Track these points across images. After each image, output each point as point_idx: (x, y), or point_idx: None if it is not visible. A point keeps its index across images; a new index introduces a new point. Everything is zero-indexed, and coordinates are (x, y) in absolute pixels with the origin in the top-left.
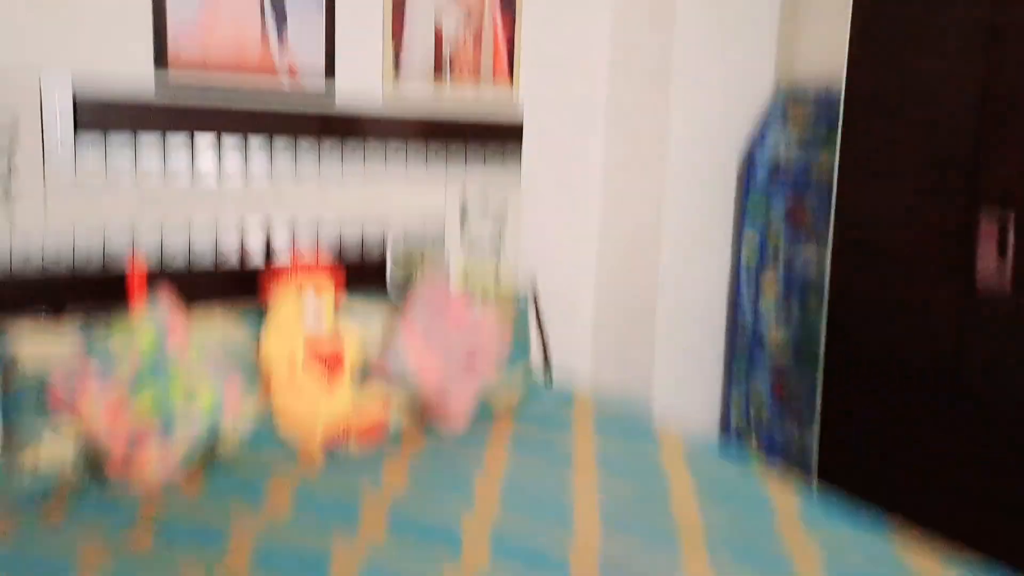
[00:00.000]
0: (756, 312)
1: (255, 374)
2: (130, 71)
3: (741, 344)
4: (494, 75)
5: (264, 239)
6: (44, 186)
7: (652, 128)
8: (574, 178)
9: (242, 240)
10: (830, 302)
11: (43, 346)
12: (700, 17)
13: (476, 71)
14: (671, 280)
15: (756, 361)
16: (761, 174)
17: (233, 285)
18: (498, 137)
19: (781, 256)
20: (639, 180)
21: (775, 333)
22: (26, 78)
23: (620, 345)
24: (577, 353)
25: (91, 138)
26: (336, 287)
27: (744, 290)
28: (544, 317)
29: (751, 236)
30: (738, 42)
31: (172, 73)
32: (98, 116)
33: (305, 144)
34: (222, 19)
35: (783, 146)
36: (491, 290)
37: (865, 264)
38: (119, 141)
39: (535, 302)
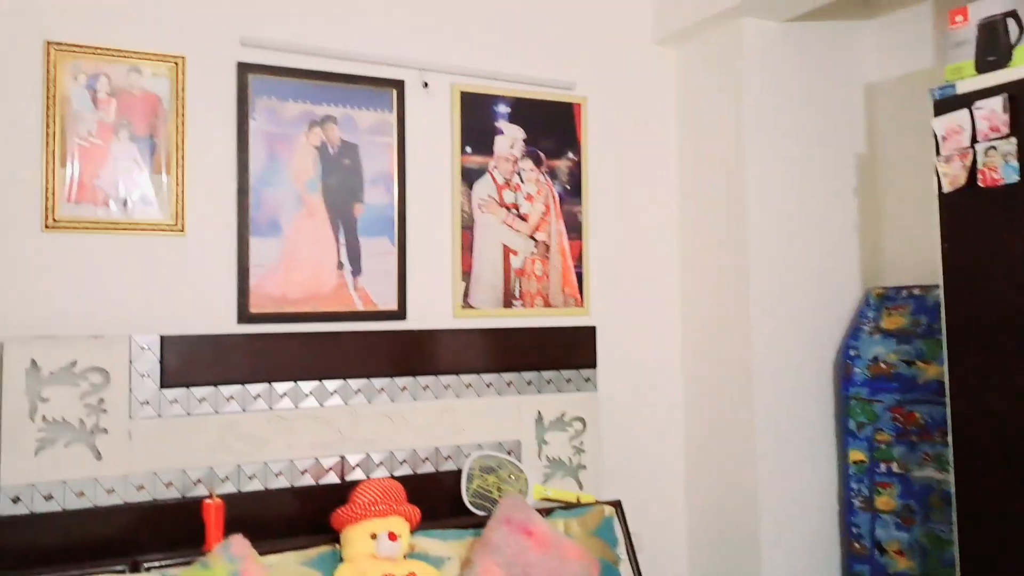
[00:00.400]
0: (873, 518)
1: None
2: (214, 327)
3: (858, 552)
4: (564, 298)
5: (339, 474)
6: (130, 439)
7: (733, 338)
8: (654, 391)
9: (317, 475)
10: (959, 507)
11: None
12: (772, 228)
13: (546, 295)
14: (771, 488)
15: (878, 571)
16: (859, 374)
17: (307, 521)
18: (572, 354)
19: (895, 457)
20: (724, 387)
21: (894, 539)
22: (118, 341)
23: (720, 562)
24: (673, 570)
25: (176, 393)
26: (411, 524)
27: (854, 495)
28: (633, 535)
29: (855, 437)
30: (818, 245)
31: (252, 327)
32: (182, 373)
33: (378, 380)
34: (300, 269)
35: (879, 345)
36: (574, 509)
37: (987, 467)
38: (201, 393)
39: (622, 519)
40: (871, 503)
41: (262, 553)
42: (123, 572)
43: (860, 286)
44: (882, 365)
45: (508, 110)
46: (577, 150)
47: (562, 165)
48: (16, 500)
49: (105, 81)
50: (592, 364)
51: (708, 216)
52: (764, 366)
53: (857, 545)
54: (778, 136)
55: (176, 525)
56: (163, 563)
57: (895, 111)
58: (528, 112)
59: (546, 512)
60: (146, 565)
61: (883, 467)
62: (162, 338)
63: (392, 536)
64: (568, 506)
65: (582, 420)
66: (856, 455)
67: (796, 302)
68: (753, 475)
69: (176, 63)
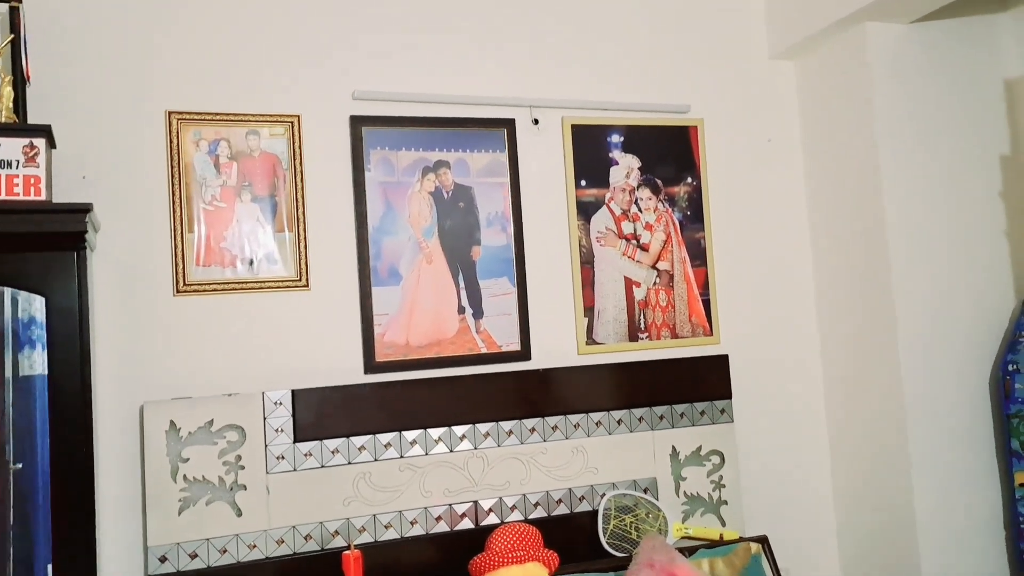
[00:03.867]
0: None
1: None
2: (342, 378)
3: None
4: (692, 327)
5: (473, 519)
6: (268, 494)
7: (879, 359)
8: (795, 419)
9: (451, 522)
10: None
11: None
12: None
13: (672, 326)
14: (930, 516)
15: None
16: (1021, 390)
17: (444, 568)
18: (704, 386)
19: None
20: (871, 411)
21: None
22: (251, 398)
23: None
24: None
25: (309, 446)
26: (550, 569)
27: (1023, 520)
28: (783, 572)
29: (1020, 458)
30: (965, 255)
31: (379, 376)
32: (315, 425)
33: (506, 423)
34: (423, 315)
35: None
36: (717, 548)
37: None
38: (334, 444)
39: (770, 556)
40: None
41: None
42: None
43: (1014, 296)
44: None
45: (621, 139)
46: (696, 174)
47: (681, 191)
48: (163, 560)
49: (225, 146)
50: (727, 395)
51: (843, 232)
52: (914, 387)
53: None
54: (913, 143)
55: None
56: None
57: None
58: (642, 140)
59: (689, 552)
60: None
61: None
62: (293, 392)
63: None
64: (711, 544)
65: (720, 453)
66: (1022, 477)
67: (945, 317)
68: (909, 503)
69: (292, 122)
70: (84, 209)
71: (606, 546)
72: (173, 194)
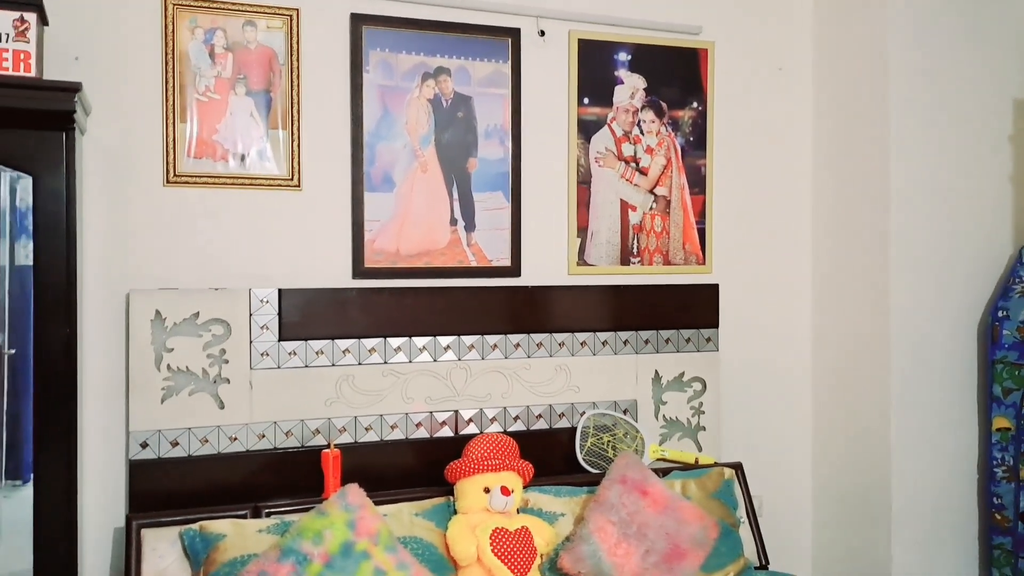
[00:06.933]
0: (1017, 488)
1: (443, 569)
2: (330, 281)
3: (999, 524)
4: (685, 255)
5: (453, 428)
6: (251, 389)
7: (869, 296)
8: (780, 351)
9: (431, 429)
10: None
11: (241, 542)
12: (917, 178)
13: (665, 252)
14: (906, 451)
15: (1021, 543)
16: (1008, 337)
17: (421, 473)
18: (692, 314)
19: None
20: (857, 348)
21: None
22: (238, 294)
23: (847, 528)
24: (796, 535)
25: (294, 346)
26: (524, 479)
27: (997, 464)
28: (754, 498)
29: (1000, 403)
30: (967, 198)
31: (367, 282)
32: (300, 326)
33: (492, 337)
34: (414, 224)
35: None
36: (692, 471)
37: None
38: (318, 346)
39: (743, 482)
40: (1016, 473)
41: (377, 503)
42: (244, 516)
43: (1013, 243)
44: None
45: (628, 58)
46: (703, 99)
47: (685, 116)
48: (144, 445)
49: (222, 35)
50: (714, 324)
51: (845, 166)
52: (903, 326)
53: (998, 516)
54: (926, 80)
55: (295, 473)
56: (283, 509)
57: None
58: (650, 59)
59: (663, 473)
60: (266, 510)
61: None
62: (280, 291)
63: (505, 490)
64: (686, 467)
65: (702, 380)
66: (1001, 422)
67: (940, 259)
68: (886, 440)
69: (290, 16)
70: (73, 88)
71: (582, 462)
72: (167, 82)
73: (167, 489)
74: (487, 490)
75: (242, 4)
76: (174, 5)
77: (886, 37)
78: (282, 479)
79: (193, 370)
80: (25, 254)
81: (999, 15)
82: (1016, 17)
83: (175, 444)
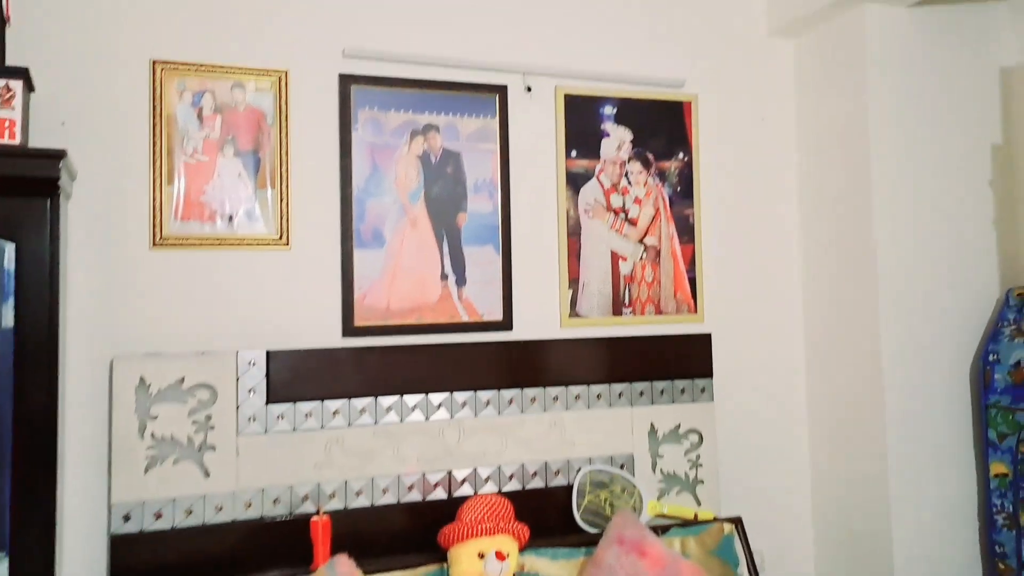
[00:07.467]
0: (1018, 535)
1: None
2: (319, 341)
3: (1003, 573)
4: (677, 304)
5: (447, 489)
6: (237, 456)
7: (861, 344)
8: (775, 401)
9: (424, 491)
10: None
11: None
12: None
13: (657, 302)
14: (905, 500)
15: None
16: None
17: (415, 538)
18: (686, 364)
19: None
20: (851, 397)
21: None
22: (225, 357)
23: None
24: None
25: (282, 408)
26: (520, 542)
27: (997, 511)
28: (755, 554)
29: (996, 448)
30: (951, 243)
31: (357, 340)
32: (288, 387)
33: (484, 393)
34: (405, 280)
35: (1022, 349)
36: (691, 527)
37: None
38: (307, 408)
39: (743, 537)
40: (1016, 520)
41: (368, 571)
42: None
43: (999, 286)
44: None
45: (614, 111)
46: (688, 150)
47: (672, 166)
48: (127, 518)
49: (210, 98)
50: (708, 374)
51: (831, 215)
52: (895, 374)
53: (1002, 565)
54: (906, 128)
55: (284, 542)
56: None
57: None
58: (635, 112)
59: (662, 530)
60: None
61: None
62: (268, 353)
63: (500, 555)
64: (685, 523)
65: (698, 432)
66: (998, 468)
67: (929, 305)
68: (885, 490)
69: (279, 77)
70: (58, 155)
71: (579, 521)
72: (154, 145)
73: (150, 563)
74: (482, 555)
75: (231, 67)
76: (162, 68)
77: (866, 87)
78: (270, 549)
79: (178, 438)
80: (9, 316)
81: (976, 63)
82: (992, 64)
83: (159, 516)
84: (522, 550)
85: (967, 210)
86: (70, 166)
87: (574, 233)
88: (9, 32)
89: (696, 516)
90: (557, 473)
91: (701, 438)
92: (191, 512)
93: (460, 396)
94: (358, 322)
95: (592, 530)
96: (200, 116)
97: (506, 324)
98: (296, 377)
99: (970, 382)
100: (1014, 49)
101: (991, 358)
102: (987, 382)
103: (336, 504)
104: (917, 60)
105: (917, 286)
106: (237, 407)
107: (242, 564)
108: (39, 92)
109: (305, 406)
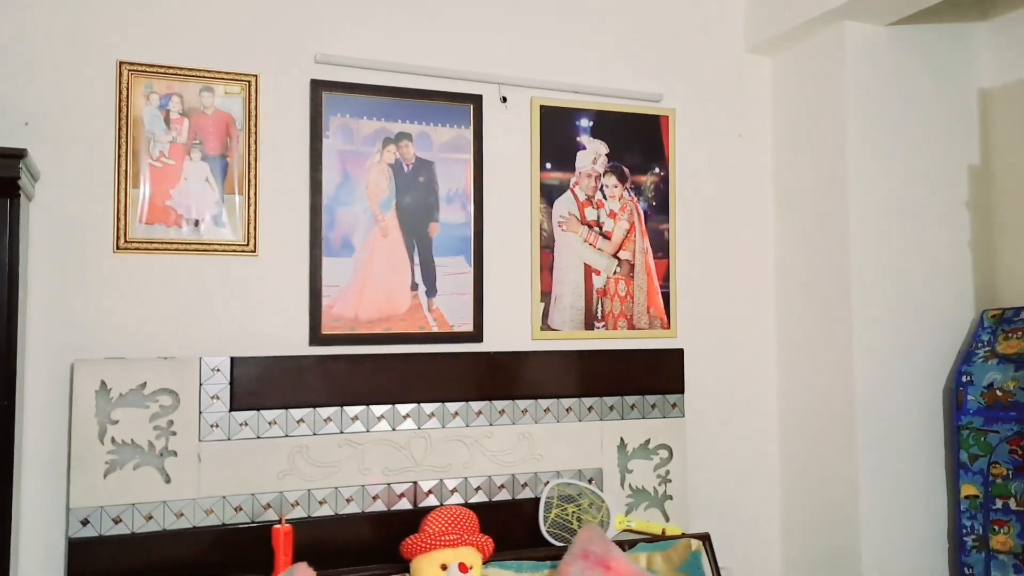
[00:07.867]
0: (987, 558)
1: None
2: (285, 349)
3: None
4: (649, 319)
5: (412, 500)
6: (199, 462)
7: (834, 362)
8: (746, 418)
9: (388, 502)
10: None
11: None
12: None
13: (630, 317)
14: (875, 520)
15: None
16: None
17: (378, 548)
18: (657, 379)
19: (1012, 492)
20: (823, 415)
21: None
22: (188, 363)
23: None
24: None
25: (246, 416)
26: (484, 555)
27: (967, 533)
28: (723, 570)
29: (968, 470)
30: (927, 264)
31: (324, 349)
32: (253, 395)
33: (453, 404)
34: (374, 290)
35: (995, 371)
36: (658, 542)
37: None
38: (272, 416)
39: (711, 553)
40: (986, 542)
41: None
42: None
43: (974, 308)
44: (998, 392)
45: (590, 124)
46: (664, 165)
47: (648, 181)
48: (85, 522)
49: (178, 101)
50: (679, 389)
51: (806, 233)
52: (868, 393)
53: None
54: (883, 147)
55: (245, 550)
56: None
57: (1012, 119)
58: (612, 126)
59: (629, 545)
60: None
61: (999, 503)
62: (233, 360)
63: (463, 568)
64: (652, 539)
65: (668, 448)
66: (969, 489)
67: (903, 325)
68: (855, 509)
69: (249, 82)
70: (19, 154)
71: (546, 535)
72: (119, 147)
73: (108, 568)
74: (444, 567)
75: (200, 70)
76: (129, 71)
77: (843, 106)
78: (230, 557)
79: (139, 443)
80: None
81: (954, 84)
82: (971, 85)
83: (118, 521)
84: (486, 563)
85: (943, 231)
86: (32, 166)
87: (547, 246)
88: None
89: (664, 532)
90: (524, 486)
91: (671, 453)
92: (151, 518)
93: (428, 407)
94: (326, 330)
95: (559, 544)
96: (167, 119)
97: (476, 336)
98: (261, 384)
99: (943, 403)
100: (992, 70)
101: (964, 379)
102: (960, 403)
103: (299, 513)
104: (895, 79)
105: (892, 305)
106: (200, 413)
107: (202, 571)
108: (1, 91)
109: (269, 414)
